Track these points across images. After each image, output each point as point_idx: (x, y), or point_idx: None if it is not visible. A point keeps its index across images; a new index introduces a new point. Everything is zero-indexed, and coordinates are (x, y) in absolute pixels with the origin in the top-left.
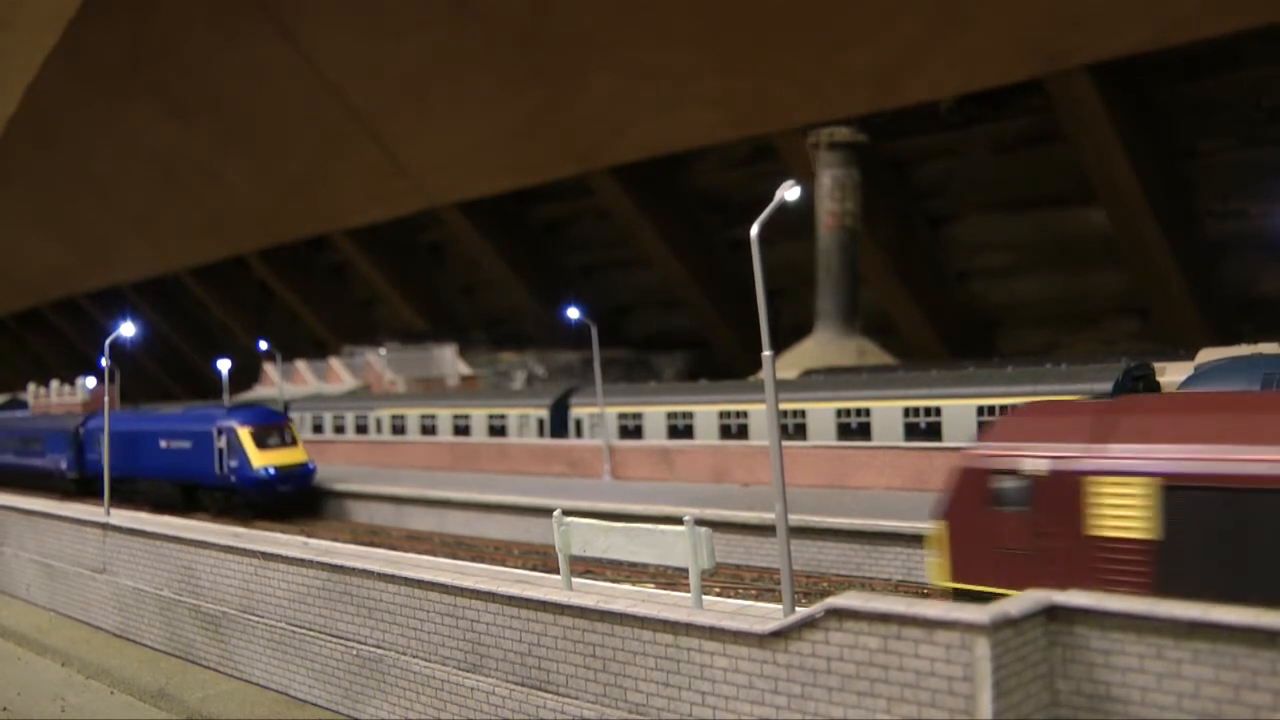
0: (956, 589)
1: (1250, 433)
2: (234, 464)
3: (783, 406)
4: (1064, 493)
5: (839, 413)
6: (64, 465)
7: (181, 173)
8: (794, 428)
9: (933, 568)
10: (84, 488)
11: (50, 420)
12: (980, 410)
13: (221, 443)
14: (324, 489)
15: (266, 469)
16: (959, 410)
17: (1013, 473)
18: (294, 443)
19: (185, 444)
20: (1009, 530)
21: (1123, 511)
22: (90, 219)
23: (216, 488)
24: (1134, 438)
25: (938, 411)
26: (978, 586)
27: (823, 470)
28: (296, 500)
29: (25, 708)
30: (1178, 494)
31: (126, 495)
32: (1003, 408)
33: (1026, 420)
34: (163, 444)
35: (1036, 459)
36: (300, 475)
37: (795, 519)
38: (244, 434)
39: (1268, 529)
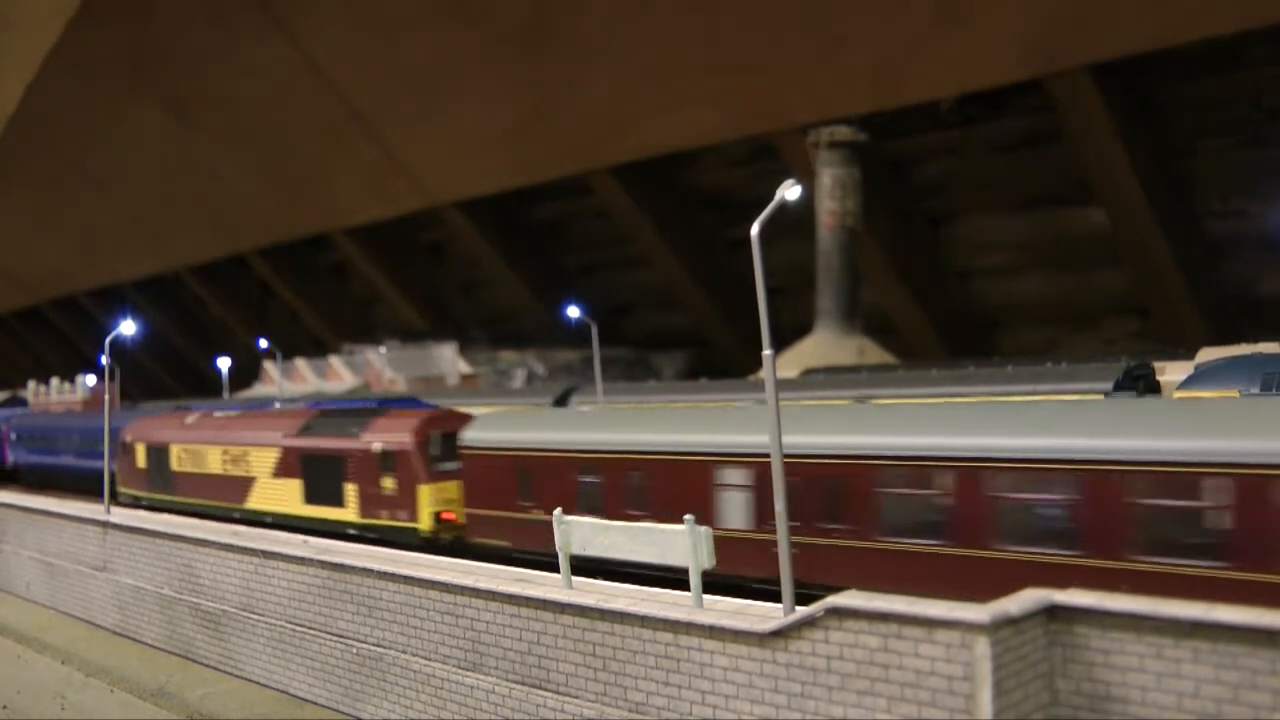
0: (124, 492)
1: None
2: None
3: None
4: (152, 451)
5: None
6: None
7: (182, 172)
8: None
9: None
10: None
11: (124, 418)
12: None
13: None
14: None
15: None
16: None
17: (125, 443)
18: None
19: None
20: (130, 466)
21: (140, 455)
22: (90, 218)
23: None
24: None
25: None
26: (127, 491)
27: None
28: None
29: (25, 706)
30: (152, 451)
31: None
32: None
33: (140, 422)
34: None
35: (132, 437)
36: None
37: None
38: None
39: (163, 461)
